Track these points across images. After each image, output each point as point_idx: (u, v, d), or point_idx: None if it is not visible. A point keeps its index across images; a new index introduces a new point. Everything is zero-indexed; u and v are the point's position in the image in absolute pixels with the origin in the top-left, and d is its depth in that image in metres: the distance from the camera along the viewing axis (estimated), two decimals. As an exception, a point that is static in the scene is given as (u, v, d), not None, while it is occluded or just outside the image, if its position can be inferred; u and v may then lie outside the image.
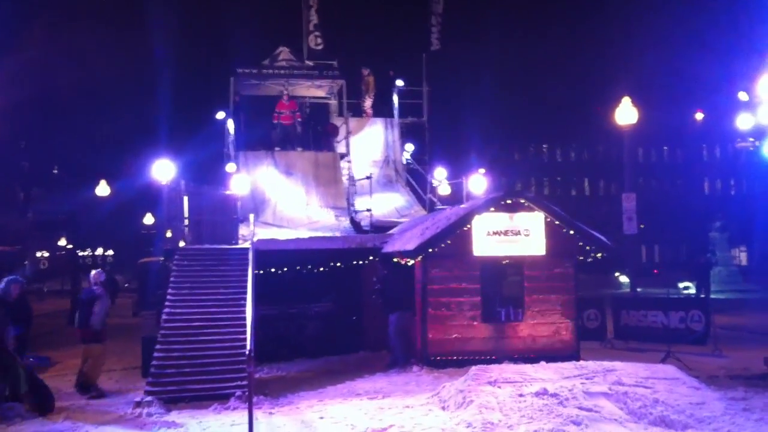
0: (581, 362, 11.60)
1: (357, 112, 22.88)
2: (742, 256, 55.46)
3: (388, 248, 15.20)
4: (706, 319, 16.23)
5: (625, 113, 20.53)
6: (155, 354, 11.58)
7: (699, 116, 49.20)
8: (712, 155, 63.53)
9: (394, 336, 13.78)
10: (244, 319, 10.88)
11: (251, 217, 16.59)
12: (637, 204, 20.41)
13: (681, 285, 27.49)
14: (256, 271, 13.00)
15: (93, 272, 12.61)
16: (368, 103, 22.78)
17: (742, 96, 20.32)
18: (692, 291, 25.35)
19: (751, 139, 20.46)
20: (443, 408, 9.76)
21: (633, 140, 27.15)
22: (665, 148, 62.93)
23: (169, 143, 33.38)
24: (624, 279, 27.22)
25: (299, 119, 21.37)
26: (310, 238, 16.65)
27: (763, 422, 8.82)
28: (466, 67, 49.22)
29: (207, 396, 10.79)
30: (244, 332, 10.57)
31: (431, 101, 23.99)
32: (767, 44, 14.76)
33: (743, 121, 19.97)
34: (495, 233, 14.27)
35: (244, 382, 10.12)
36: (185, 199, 15.42)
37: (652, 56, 52.76)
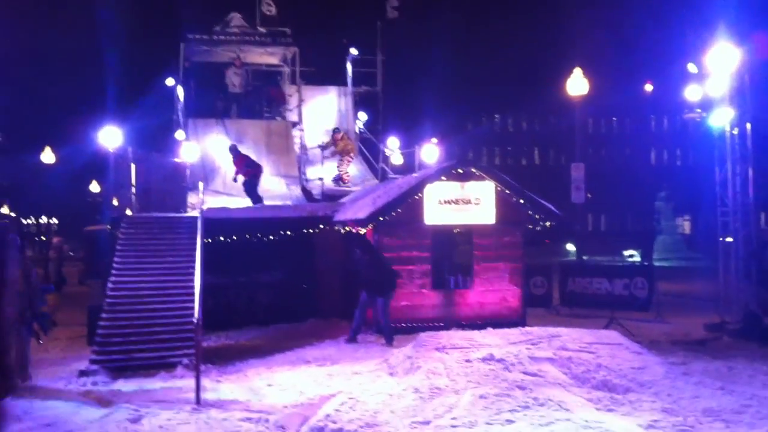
0: (527, 328, 11.81)
1: (310, 79, 22.63)
2: (686, 225, 56.82)
3: (340, 217, 15.19)
4: (649, 286, 16.63)
5: (577, 84, 20.75)
6: (101, 323, 11.43)
7: (648, 88, 49.89)
8: (659, 126, 64.57)
9: (358, 314, 13.48)
10: (193, 287, 10.80)
11: (200, 185, 16.40)
12: (585, 174, 20.73)
13: (626, 253, 28.09)
14: (206, 240, 12.89)
15: None
16: (344, 167, 20.12)
17: (691, 68, 20.63)
18: (637, 259, 25.92)
19: (699, 110, 20.83)
20: (391, 374, 9.86)
21: (583, 111, 27.47)
22: (614, 119, 63.74)
23: (116, 109, 32.60)
24: (570, 247, 27.69)
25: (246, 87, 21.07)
26: (260, 207, 16.52)
27: (702, 385, 9.11)
28: (420, 37, 49.01)
29: (154, 365, 10.71)
30: (192, 301, 10.50)
31: (385, 70, 23.87)
32: (716, 17, 14.96)
33: (691, 93, 20.32)
34: (446, 202, 14.38)
35: (192, 351, 10.07)
36: (133, 166, 15.14)
37: (602, 28, 53.17)
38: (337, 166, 20.13)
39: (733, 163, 14.48)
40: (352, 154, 20.45)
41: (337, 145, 19.98)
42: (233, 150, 18.21)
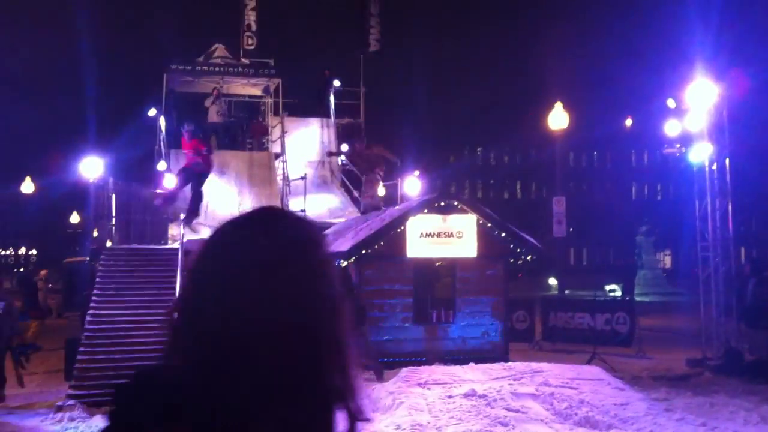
0: (509, 363, 11.77)
1: (293, 111, 22.70)
2: (666, 260, 57.23)
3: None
4: (631, 321, 16.64)
5: (557, 118, 20.98)
6: (78, 357, 11.25)
7: (628, 122, 50.51)
8: (640, 161, 65.35)
9: None
10: (172, 320, 10.66)
11: (181, 216, 16.30)
12: (567, 207, 20.88)
13: (608, 287, 28.21)
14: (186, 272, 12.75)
15: None
16: (375, 189, 17.10)
17: (670, 103, 20.89)
18: (618, 293, 26.02)
19: (678, 145, 21.07)
20: (373, 410, 9.75)
21: (564, 145, 27.76)
22: (595, 153, 64.48)
23: (98, 140, 32.57)
24: (553, 281, 27.75)
25: (227, 118, 21.07)
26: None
27: (684, 422, 9.08)
28: (403, 69, 49.60)
29: (132, 399, 10.52)
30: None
31: (368, 102, 24.03)
32: (694, 53, 15.21)
33: (671, 128, 20.54)
34: (428, 235, 14.37)
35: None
36: (113, 197, 15.04)
37: (584, 63, 54.00)
38: (364, 190, 17.18)
39: (712, 197, 14.61)
40: (380, 171, 17.11)
41: (359, 161, 17.24)
42: (189, 130, 16.29)
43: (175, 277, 12.44)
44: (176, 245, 14.28)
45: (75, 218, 42.75)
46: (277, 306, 1.11)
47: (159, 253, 14.01)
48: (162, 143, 20.23)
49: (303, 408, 1.10)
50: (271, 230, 1.19)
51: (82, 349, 11.37)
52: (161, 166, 19.83)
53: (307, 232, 1.22)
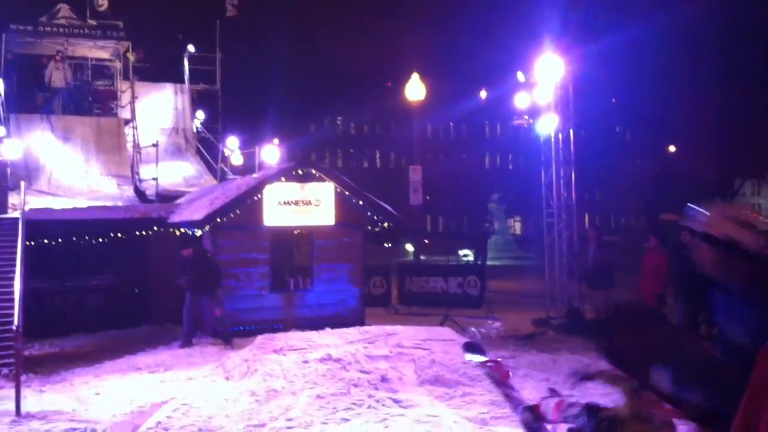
0: (365, 327, 12.00)
1: (144, 76, 21.81)
2: (516, 226, 59.86)
3: (175, 218, 14.73)
4: (481, 284, 17.33)
5: (414, 89, 21.32)
6: None
7: (483, 94, 52.07)
8: (493, 132, 67.60)
9: (186, 316, 13.05)
10: (13, 293, 10.10)
11: (23, 184, 15.35)
12: (423, 176, 21.35)
13: (461, 253, 29.19)
14: (28, 243, 12.10)
15: None
16: None
17: (520, 77, 21.70)
18: (471, 258, 26.97)
19: (527, 117, 21.98)
20: (227, 378, 9.68)
21: (422, 116, 28.32)
22: (451, 124, 66.06)
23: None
24: (409, 247, 28.42)
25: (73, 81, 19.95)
26: (89, 208, 15.70)
27: (528, 378, 9.62)
28: (261, 36, 48.56)
29: (-30, 376, 9.93)
30: (12, 307, 9.82)
31: (225, 69, 23.44)
32: (542, 29, 15.85)
33: (520, 100, 21.36)
34: (286, 203, 14.32)
35: (11, 360, 9.41)
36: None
37: (440, 35, 55.05)
38: None
39: (557, 166, 15.38)
40: None
41: None
42: None
43: (15, 247, 11.73)
44: (16, 214, 13.45)
45: None
46: None
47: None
48: (1, 107, 18.90)
49: None
50: None
51: None
52: (0, 131, 18.56)
53: None
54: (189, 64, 22.13)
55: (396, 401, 8.16)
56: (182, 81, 22.07)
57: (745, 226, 2.88)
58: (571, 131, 15.47)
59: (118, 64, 21.33)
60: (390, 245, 17.95)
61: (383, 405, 8.07)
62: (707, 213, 2.98)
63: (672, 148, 51.17)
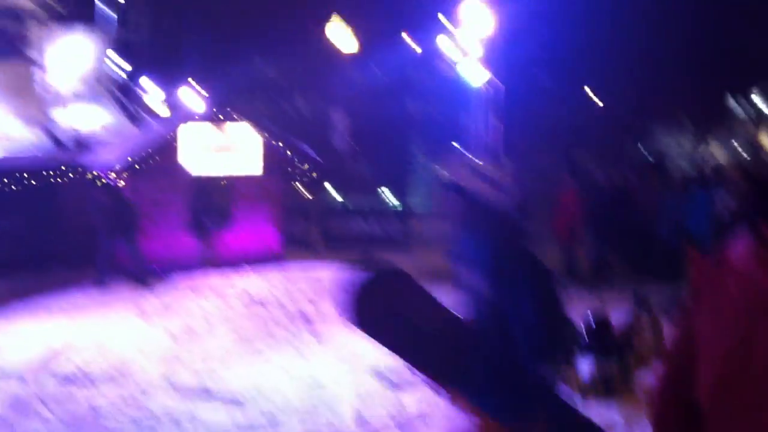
0: (285, 266, 12.07)
1: (54, 17, 20.86)
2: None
3: (89, 162, 14.37)
4: (403, 225, 17.61)
5: (338, 32, 21.12)
6: None
7: (409, 41, 51.63)
8: (419, 78, 67.72)
9: (100, 258, 12.78)
10: None
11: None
12: (348, 122, 21.33)
13: (383, 193, 29.34)
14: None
15: None
16: None
17: (446, 22, 21.59)
18: (392, 199, 27.15)
19: (455, 64, 21.98)
20: (144, 319, 9.62)
21: (348, 60, 28.08)
22: (376, 68, 65.76)
23: None
24: (331, 189, 28.46)
25: None
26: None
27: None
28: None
29: None
30: None
31: (143, 9, 22.68)
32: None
33: (446, 47, 21.25)
34: (206, 147, 14.11)
35: None
36: None
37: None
38: None
39: (483, 115, 15.63)
40: None
41: None
42: None
43: None
44: None
45: None
46: None
47: None
48: None
49: None
50: None
51: None
52: None
53: None
54: (104, 4, 21.28)
55: (317, 339, 8.30)
56: (94, 22, 21.24)
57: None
58: (494, 78, 15.64)
59: (29, 5, 20.35)
60: (313, 190, 17.96)
61: (304, 343, 8.20)
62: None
63: (589, 92, 52.23)
